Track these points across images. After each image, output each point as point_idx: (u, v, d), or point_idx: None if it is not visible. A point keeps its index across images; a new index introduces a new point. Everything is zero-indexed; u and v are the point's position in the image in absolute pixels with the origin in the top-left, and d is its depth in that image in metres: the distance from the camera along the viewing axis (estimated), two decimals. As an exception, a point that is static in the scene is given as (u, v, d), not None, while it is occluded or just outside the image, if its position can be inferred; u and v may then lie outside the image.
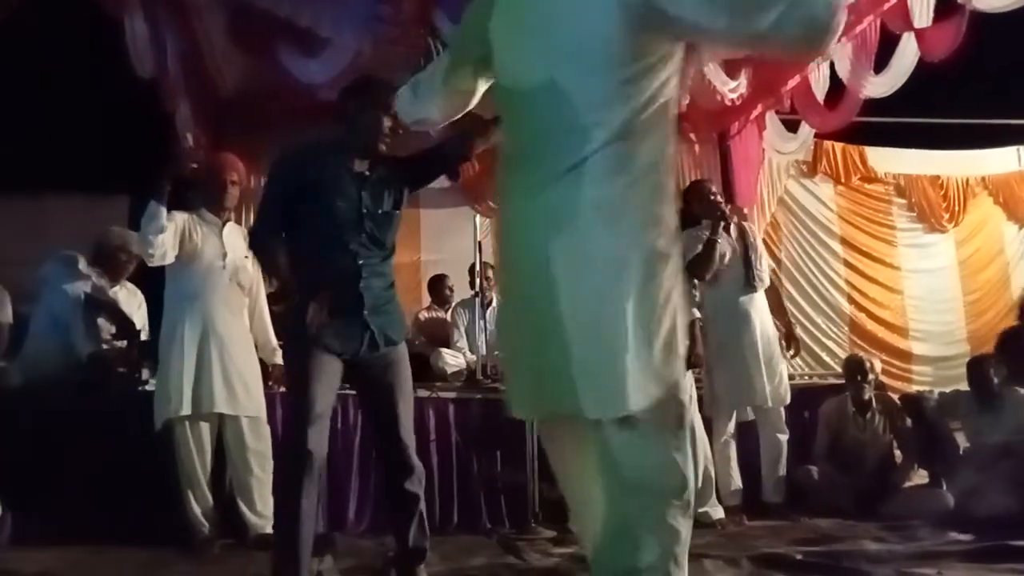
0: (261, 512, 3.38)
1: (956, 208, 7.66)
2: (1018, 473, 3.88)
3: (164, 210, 3.19)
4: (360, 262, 2.50)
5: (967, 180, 7.72)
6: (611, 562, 1.56)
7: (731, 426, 4.02)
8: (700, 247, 3.99)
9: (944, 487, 4.08)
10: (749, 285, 4.05)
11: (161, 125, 5.26)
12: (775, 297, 4.30)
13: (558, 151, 1.54)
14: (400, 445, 2.55)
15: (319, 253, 2.50)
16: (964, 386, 4.36)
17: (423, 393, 4.05)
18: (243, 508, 3.39)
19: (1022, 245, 7.72)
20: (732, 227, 4.13)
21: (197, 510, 3.33)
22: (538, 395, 1.61)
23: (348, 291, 2.48)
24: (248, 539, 3.37)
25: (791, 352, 4.21)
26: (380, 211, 2.54)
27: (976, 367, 4.26)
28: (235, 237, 3.51)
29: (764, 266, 4.16)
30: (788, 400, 4.10)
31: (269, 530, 3.37)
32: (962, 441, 4.31)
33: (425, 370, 4.50)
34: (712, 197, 4.12)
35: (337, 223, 2.48)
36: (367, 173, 2.55)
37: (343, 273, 2.48)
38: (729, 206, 4.24)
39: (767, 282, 4.17)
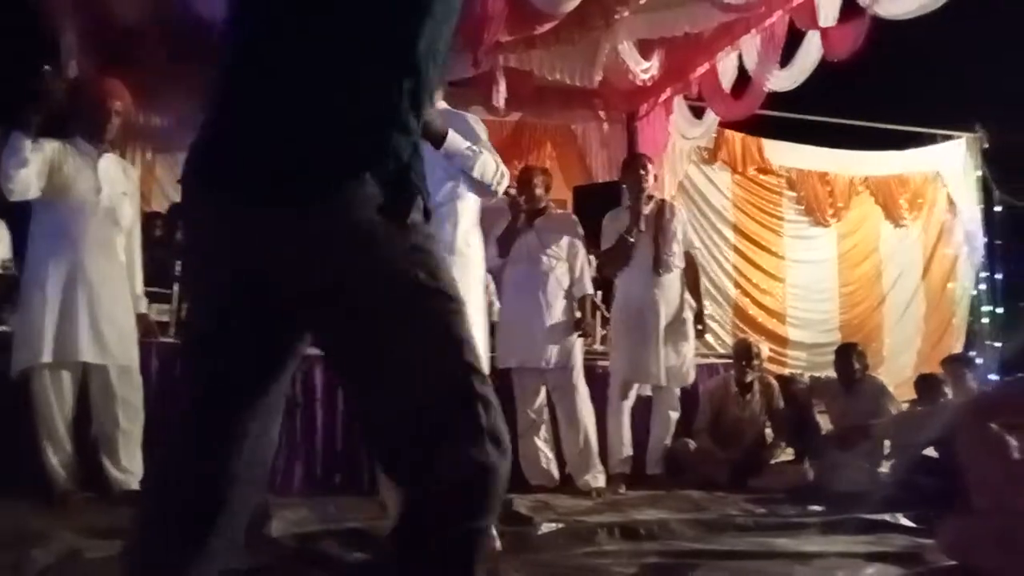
0: (126, 467, 3.21)
1: (840, 204, 8.09)
2: (872, 453, 4.19)
3: (28, 142, 2.94)
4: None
5: (852, 179, 8.16)
6: None
7: (629, 400, 4.13)
8: (615, 239, 4.08)
9: (806, 464, 4.34)
10: (655, 270, 4.11)
11: (43, 50, 4.84)
12: (692, 276, 4.32)
13: None
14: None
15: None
16: (834, 371, 4.63)
17: (313, 351, 3.94)
18: (106, 462, 3.20)
19: (895, 244, 8.25)
20: (651, 206, 4.19)
21: (55, 462, 3.12)
22: None
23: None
24: (112, 494, 3.19)
25: (697, 330, 4.28)
26: None
27: (841, 354, 4.54)
28: (114, 170, 3.27)
29: (676, 251, 4.19)
30: (689, 381, 4.24)
31: (135, 486, 3.21)
32: (826, 423, 4.60)
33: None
34: (641, 183, 4.15)
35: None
36: None
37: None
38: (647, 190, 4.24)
39: (677, 267, 4.20)
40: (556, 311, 3.93)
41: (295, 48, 1.15)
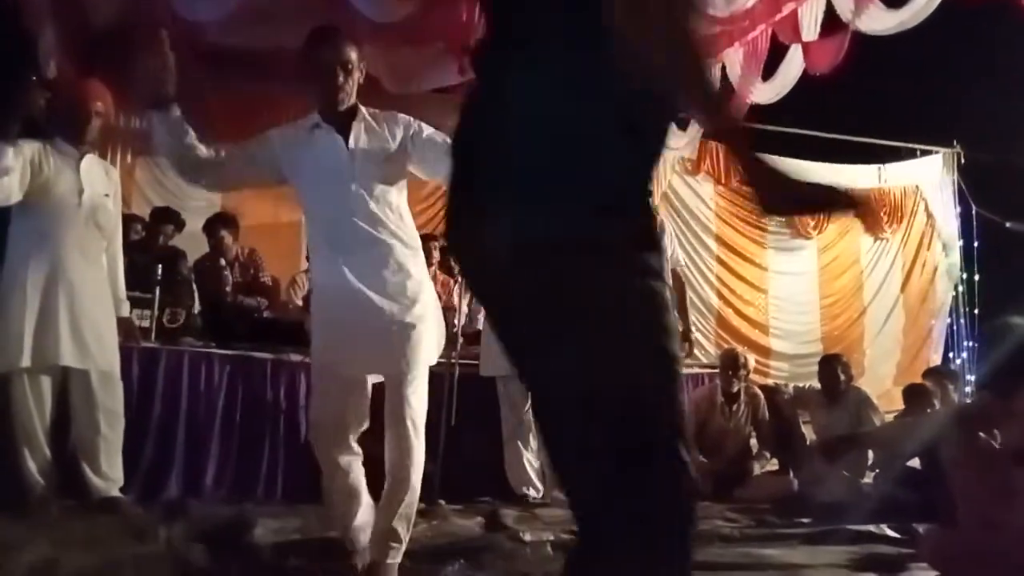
0: (107, 474, 3.15)
1: (821, 217, 8.16)
2: (856, 464, 4.20)
3: (10, 150, 2.90)
4: None
5: (833, 192, 8.24)
6: None
7: None
8: None
9: (791, 474, 4.36)
10: None
11: (21, 49, 4.76)
12: (678, 295, 4.36)
13: None
14: None
15: None
16: (817, 382, 4.66)
17: (296, 358, 3.90)
18: (86, 469, 3.13)
19: (875, 256, 8.35)
20: None
21: (33, 468, 3.05)
22: None
23: None
24: (91, 501, 3.12)
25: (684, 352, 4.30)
26: None
27: (826, 365, 4.56)
28: (96, 172, 3.21)
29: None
30: None
31: (115, 492, 3.16)
32: (809, 433, 4.62)
33: (301, 335, 4.33)
34: None
35: None
36: None
37: None
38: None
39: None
40: None
41: (509, 82, 1.16)
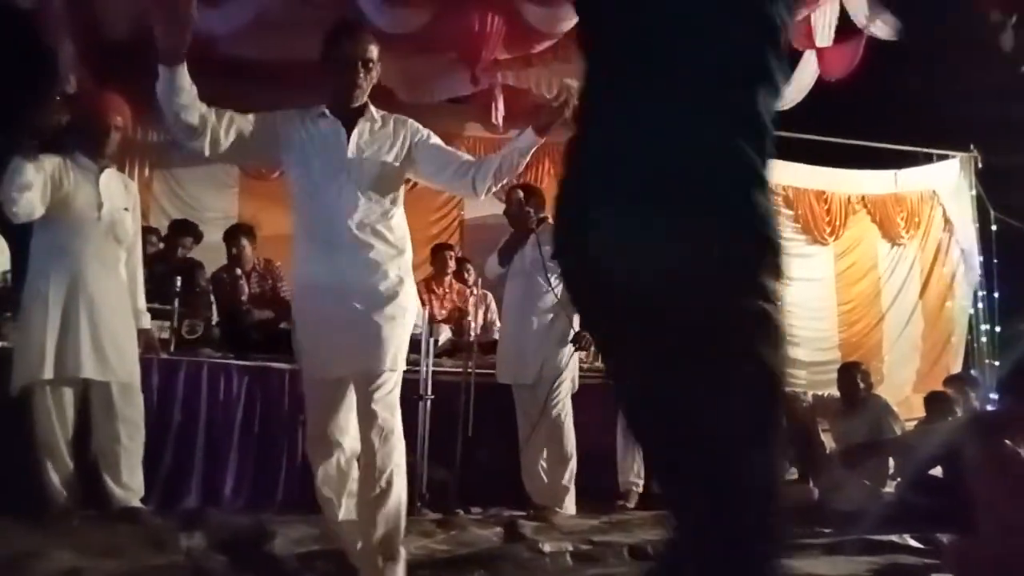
0: (127, 484, 3.17)
1: (837, 223, 8.09)
2: (877, 472, 4.16)
3: (29, 165, 2.92)
4: None
5: (849, 197, 8.17)
6: None
7: None
8: None
9: (811, 483, 4.32)
10: None
11: (42, 63, 4.84)
12: None
13: None
14: None
15: None
16: (835, 390, 4.62)
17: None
18: (107, 479, 3.16)
19: (893, 262, 8.27)
20: None
21: (55, 479, 3.08)
22: None
23: None
24: (112, 511, 3.15)
25: None
26: None
27: (845, 373, 4.52)
28: (115, 186, 3.24)
29: None
30: None
31: (135, 503, 3.18)
32: (829, 441, 4.58)
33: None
34: None
35: None
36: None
37: None
38: None
39: None
40: (547, 327, 3.88)
41: (640, 103, 1.15)
